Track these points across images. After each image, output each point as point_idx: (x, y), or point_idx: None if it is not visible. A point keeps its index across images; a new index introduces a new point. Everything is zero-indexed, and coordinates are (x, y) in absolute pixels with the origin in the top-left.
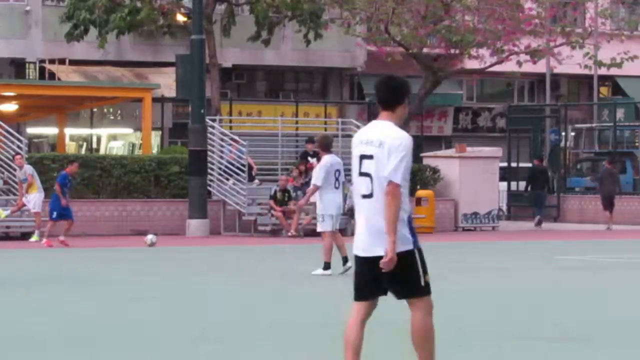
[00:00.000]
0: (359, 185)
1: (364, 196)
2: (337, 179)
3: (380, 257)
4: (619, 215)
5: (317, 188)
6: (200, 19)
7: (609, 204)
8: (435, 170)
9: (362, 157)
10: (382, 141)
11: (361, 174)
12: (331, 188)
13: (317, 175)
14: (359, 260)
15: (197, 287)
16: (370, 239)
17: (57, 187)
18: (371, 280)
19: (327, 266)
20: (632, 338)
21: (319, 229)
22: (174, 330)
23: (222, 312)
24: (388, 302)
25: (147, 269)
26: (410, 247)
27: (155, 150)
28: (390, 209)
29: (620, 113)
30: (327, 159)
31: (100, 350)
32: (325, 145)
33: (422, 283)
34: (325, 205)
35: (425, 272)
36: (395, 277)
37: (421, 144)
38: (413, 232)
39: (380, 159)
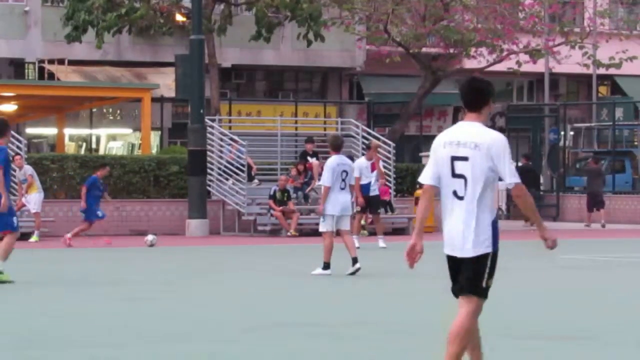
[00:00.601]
0: (452, 186)
1: (458, 197)
2: (343, 180)
3: (465, 259)
4: (619, 215)
5: (327, 189)
6: (199, 19)
7: (595, 203)
8: None
9: (454, 158)
10: (477, 143)
11: (456, 175)
12: (336, 188)
13: (324, 176)
14: (449, 259)
15: (197, 287)
16: (461, 239)
17: (83, 189)
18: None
19: (326, 266)
20: (634, 337)
21: (320, 229)
22: (173, 329)
23: (222, 312)
24: (377, 303)
25: (147, 269)
26: (488, 250)
27: (154, 151)
28: (527, 207)
29: (619, 112)
30: (333, 159)
31: (100, 349)
32: (334, 146)
33: (483, 285)
34: (328, 205)
35: (490, 276)
36: (467, 273)
37: (420, 143)
38: (495, 234)
39: (476, 161)
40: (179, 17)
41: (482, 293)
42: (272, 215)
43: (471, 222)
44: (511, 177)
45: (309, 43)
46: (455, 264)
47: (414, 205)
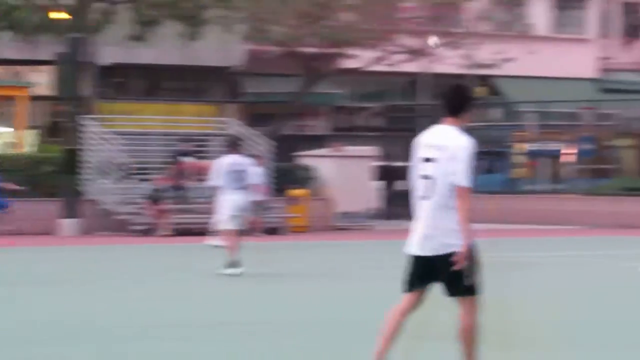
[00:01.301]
0: (419, 187)
1: (423, 198)
2: (238, 180)
3: (431, 257)
4: (494, 214)
5: (219, 189)
6: (79, 16)
7: None
8: (310, 169)
9: (424, 159)
10: (446, 145)
11: (422, 176)
12: (230, 188)
13: (213, 176)
14: (412, 258)
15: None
16: (425, 239)
17: None
18: (419, 276)
19: (233, 264)
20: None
21: (219, 227)
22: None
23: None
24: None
25: (12, 271)
26: (454, 249)
27: (32, 149)
28: (461, 211)
29: (498, 113)
30: (225, 159)
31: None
32: (229, 145)
33: (465, 284)
34: (222, 205)
35: (468, 275)
36: (444, 275)
37: (298, 143)
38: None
39: (442, 163)
40: (58, 15)
41: (467, 292)
42: (147, 214)
43: (435, 222)
44: (458, 177)
45: (189, 42)
46: (421, 263)
47: (289, 205)
